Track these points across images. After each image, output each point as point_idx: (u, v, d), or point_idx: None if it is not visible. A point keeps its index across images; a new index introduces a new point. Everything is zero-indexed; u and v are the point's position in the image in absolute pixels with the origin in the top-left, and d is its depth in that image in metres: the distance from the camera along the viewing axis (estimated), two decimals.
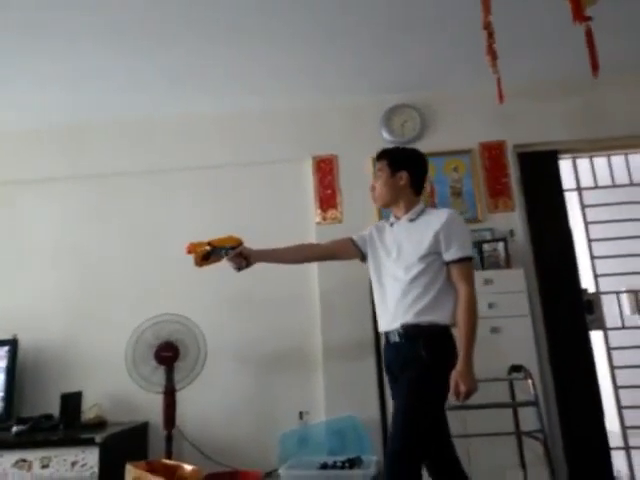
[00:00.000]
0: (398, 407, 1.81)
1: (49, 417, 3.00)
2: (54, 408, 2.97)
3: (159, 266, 3.36)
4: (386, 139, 3.34)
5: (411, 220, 1.99)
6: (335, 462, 2.56)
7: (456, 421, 2.37)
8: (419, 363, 1.79)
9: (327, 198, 3.38)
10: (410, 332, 1.84)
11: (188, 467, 0.98)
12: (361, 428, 2.78)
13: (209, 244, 2.00)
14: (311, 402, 3.05)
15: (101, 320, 3.31)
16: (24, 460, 2.65)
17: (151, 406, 2.96)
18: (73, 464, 2.61)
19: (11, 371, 3.06)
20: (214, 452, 3.01)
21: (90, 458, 2.60)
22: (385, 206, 2.07)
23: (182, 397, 2.90)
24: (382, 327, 1.98)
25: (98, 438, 2.62)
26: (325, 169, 3.42)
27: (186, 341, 2.84)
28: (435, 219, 1.92)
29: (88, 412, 3.04)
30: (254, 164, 3.47)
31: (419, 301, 1.85)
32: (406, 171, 2.01)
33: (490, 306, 2.76)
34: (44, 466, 2.63)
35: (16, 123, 3.51)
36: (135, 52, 2.79)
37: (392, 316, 1.91)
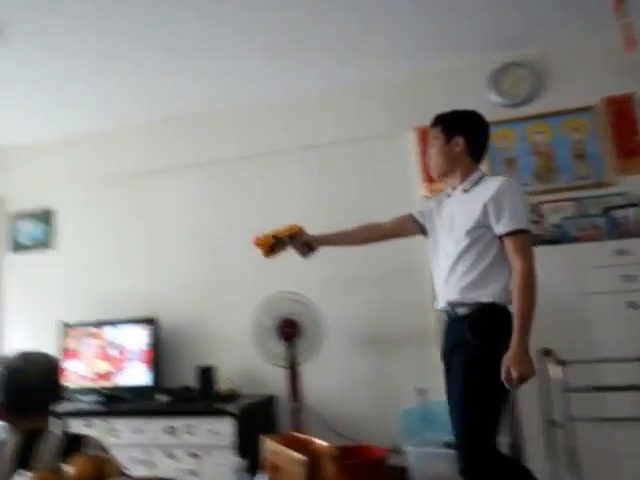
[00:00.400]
0: (452, 397, 1.72)
1: (188, 389, 3.32)
2: (191, 380, 3.29)
3: None
4: (495, 102, 3.16)
5: (465, 191, 1.84)
6: None
7: (593, 403, 2.24)
8: (466, 345, 1.69)
9: None
10: (457, 311, 1.75)
11: (322, 443, 1.04)
12: None
13: (273, 236, 2.13)
14: (429, 379, 3.05)
15: (228, 298, 3.57)
16: (172, 427, 2.98)
17: (278, 380, 3.15)
18: (213, 432, 2.89)
19: (155, 347, 3.43)
20: (337, 426, 3.14)
21: (227, 428, 2.86)
22: (441, 176, 1.93)
23: (306, 372, 3.06)
24: (437, 307, 1.90)
25: (233, 409, 2.88)
26: (428, 139, 3.33)
27: (304, 318, 2.97)
28: (486, 189, 1.76)
29: (222, 384, 3.32)
30: (355, 140, 3.46)
31: (465, 277, 1.74)
32: (462, 136, 1.85)
33: (625, 279, 2.52)
34: (188, 433, 2.94)
35: (140, 116, 3.81)
36: (240, 34, 2.81)
37: (442, 294, 1.83)
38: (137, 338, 3.46)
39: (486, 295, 1.70)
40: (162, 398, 3.21)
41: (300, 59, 3.16)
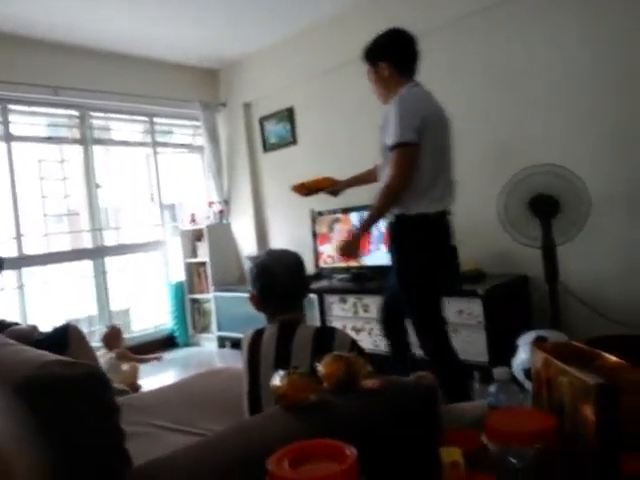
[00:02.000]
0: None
1: None
2: None
3: (522, 113, 3.04)
4: None
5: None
6: None
7: None
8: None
9: None
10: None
11: (610, 357, 0.80)
12: None
13: (305, 186, 2.41)
14: None
15: (465, 175, 3.26)
16: None
17: (529, 260, 2.85)
18: (460, 312, 2.83)
19: None
20: (605, 310, 2.74)
21: (475, 308, 2.76)
22: (387, 103, 1.99)
23: (564, 251, 2.68)
24: None
25: (480, 290, 2.74)
26: None
27: (564, 192, 2.52)
28: None
29: (465, 264, 3.18)
30: None
31: None
32: (385, 61, 1.98)
33: None
34: None
35: None
36: None
37: None
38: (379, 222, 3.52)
39: (398, 207, 1.93)
40: None
41: None
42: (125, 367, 3.30)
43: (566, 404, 0.79)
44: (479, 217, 3.12)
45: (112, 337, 3.44)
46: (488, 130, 3.19)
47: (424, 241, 1.92)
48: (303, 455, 0.60)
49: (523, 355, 2.23)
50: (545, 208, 2.50)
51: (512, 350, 2.31)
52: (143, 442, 1.33)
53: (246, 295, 4.24)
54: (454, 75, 3.29)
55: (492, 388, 0.91)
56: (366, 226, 2.00)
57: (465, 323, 2.84)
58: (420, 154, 1.84)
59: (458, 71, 3.28)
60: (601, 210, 2.62)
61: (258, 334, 1.29)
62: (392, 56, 1.97)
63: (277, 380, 0.87)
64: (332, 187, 2.39)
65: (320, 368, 0.92)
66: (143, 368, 3.50)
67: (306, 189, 2.43)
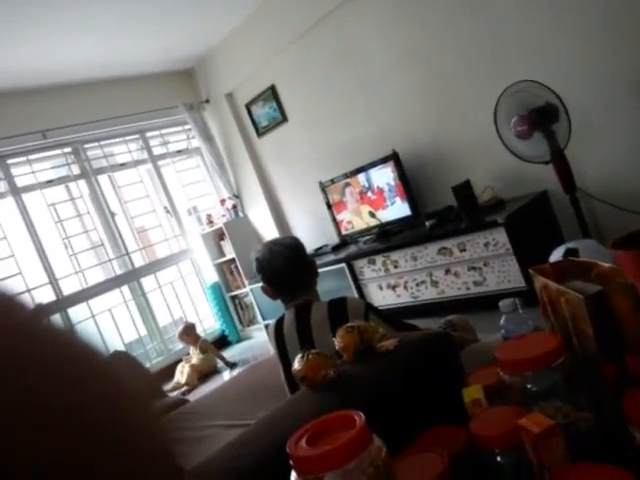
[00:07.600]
0: None
1: (450, 208, 3.27)
2: (450, 200, 3.21)
3: (502, 32, 2.95)
4: None
5: None
6: None
7: None
8: None
9: None
10: None
11: (604, 265, 0.81)
12: None
13: None
14: None
15: (463, 108, 3.24)
16: (445, 247, 3.03)
17: (544, 173, 2.80)
18: (486, 244, 2.82)
19: (403, 178, 3.43)
20: (629, 203, 2.68)
21: (499, 237, 2.74)
22: None
23: (575, 157, 2.62)
24: None
25: (500, 219, 2.71)
26: None
27: (550, 101, 2.46)
28: None
29: (482, 195, 3.16)
30: None
31: None
32: None
33: None
34: (462, 250, 2.95)
35: None
36: None
37: None
38: (386, 175, 3.51)
39: None
40: (428, 223, 3.25)
41: None
42: (201, 356, 3.84)
43: (568, 321, 0.81)
44: (486, 142, 3.07)
45: (185, 332, 3.92)
46: (477, 46, 3.11)
47: None
48: (320, 431, 0.65)
49: None
50: (542, 118, 2.44)
51: None
52: (206, 445, 1.42)
53: None
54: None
55: (502, 321, 0.93)
56: None
57: (494, 254, 2.83)
58: None
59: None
60: (600, 108, 2.54)
61: (279, 323, 1.34)
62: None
63: (296, 364, 0.92)
64: None
65: (336, 342, 0.96)
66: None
67: None
